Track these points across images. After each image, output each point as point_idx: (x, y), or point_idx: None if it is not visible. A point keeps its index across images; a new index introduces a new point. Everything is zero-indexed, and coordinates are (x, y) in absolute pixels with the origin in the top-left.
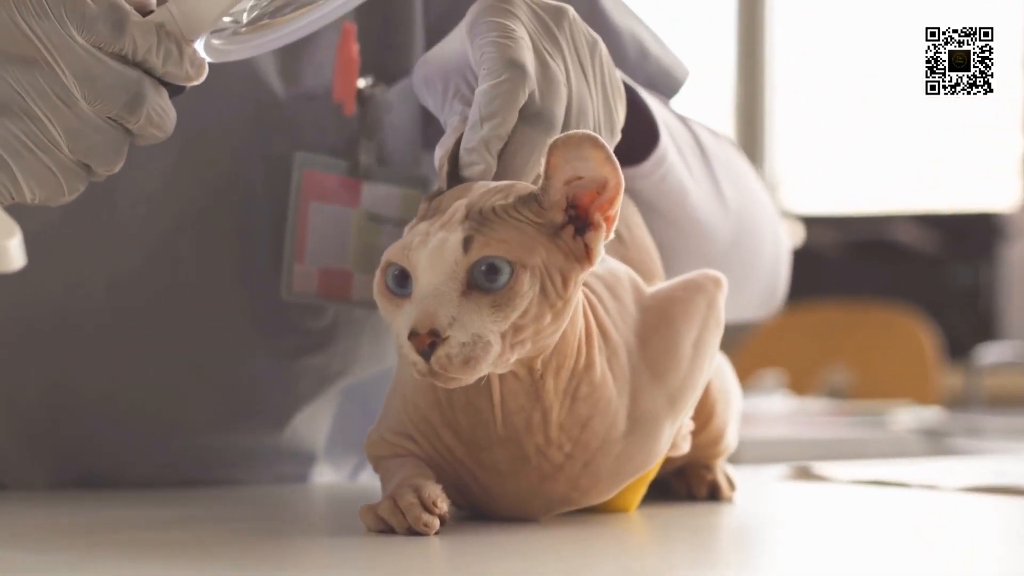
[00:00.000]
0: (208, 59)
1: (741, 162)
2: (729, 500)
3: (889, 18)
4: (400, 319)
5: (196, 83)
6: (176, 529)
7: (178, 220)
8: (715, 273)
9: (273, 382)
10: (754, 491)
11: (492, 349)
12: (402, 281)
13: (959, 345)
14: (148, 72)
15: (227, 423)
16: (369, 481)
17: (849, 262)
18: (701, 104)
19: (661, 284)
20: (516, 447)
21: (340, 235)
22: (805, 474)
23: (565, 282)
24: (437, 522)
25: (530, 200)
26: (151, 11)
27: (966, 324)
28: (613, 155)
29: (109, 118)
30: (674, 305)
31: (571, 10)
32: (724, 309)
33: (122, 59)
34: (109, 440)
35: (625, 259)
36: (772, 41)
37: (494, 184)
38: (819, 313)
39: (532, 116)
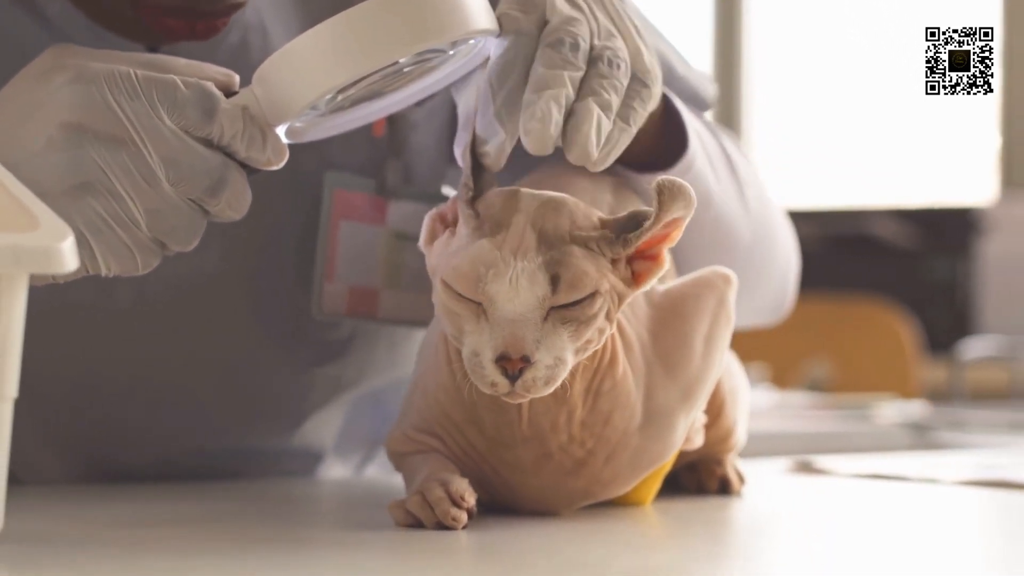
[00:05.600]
0: (286, 141)
1: (758, 172)
2: (738, 494)
3: (868, 14)
4: (478, 338)
5: (275, 168)
6: (205, 525)
7: (206, 232)
8: (725, 270)
9: (288, 390)
10: (761, 485)
11: (567, 367)
12: None
13: (937, 339)
14: (230, 156)
15: (240, 426)
16: (376, 476)
17: (827, 256)
18: None
19: (672, 281)
20: (540, 445)
21: (368, 253)
22: (807, 468)
23: (620, 303)
24: (465, 516)
25: (615, 243)
26: (235, 91)
27: (943, 318)
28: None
29: (190, 200)
30: (685, 301)
31: None
32: (734, 306)
33: (207, 143)
34: (126, 437)
35: None
36: (749, 37)
37: (546, 195)
38: (798, 306)
39: (555, 43)
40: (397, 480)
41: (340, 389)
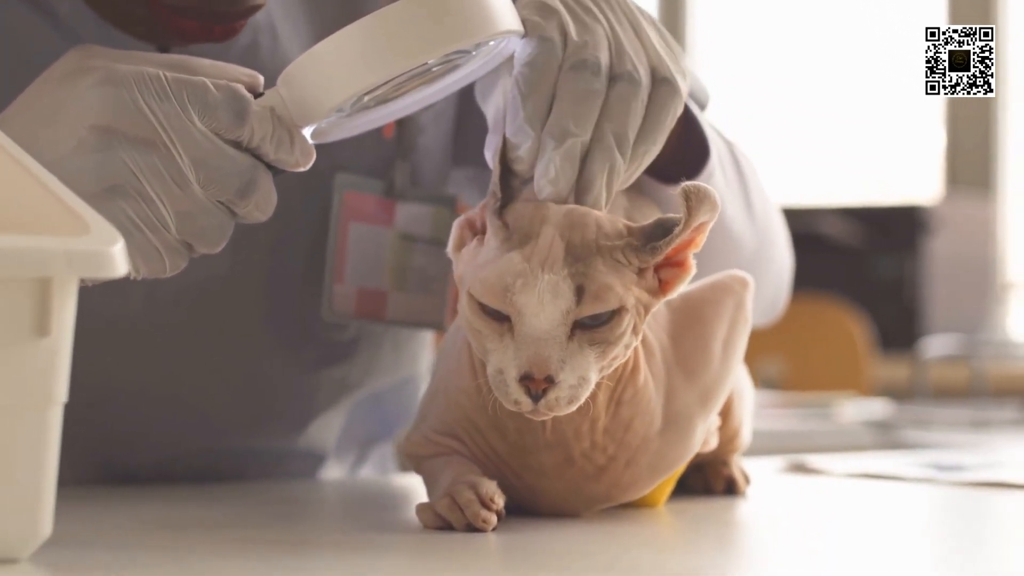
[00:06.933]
0: (311, 142)
1: (758, 171)
2: (743, 495)
3: (815, 13)
4: (503, 355)
5: (303, 169)
6: (221, 527)
7: None
8: (742, 274)
9: (294, 391)
10: (762, 486)
11: (591, 386)
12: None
13: (885, 335)
14: (259, 158)
15: (248, 428)
16: (374, 477)
17: None
18: None
19: (689, 285)
20: (563, 452)
21: (376, 255)
22: (801, 468)
23: (646, 314)
24: (495, 518)
25: (643, 252)
26: (260, 93)
27: (891, 315)
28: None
29: (219, 202)
30: (704, 306)
31: None
32: (751, 310)
33: (236, 145)
34: (135, 439)
35: None
36: (693, 35)
37: (575, 209)
38: None
39: (578, 65)
40: (399, 481)
41: (345, 390)
